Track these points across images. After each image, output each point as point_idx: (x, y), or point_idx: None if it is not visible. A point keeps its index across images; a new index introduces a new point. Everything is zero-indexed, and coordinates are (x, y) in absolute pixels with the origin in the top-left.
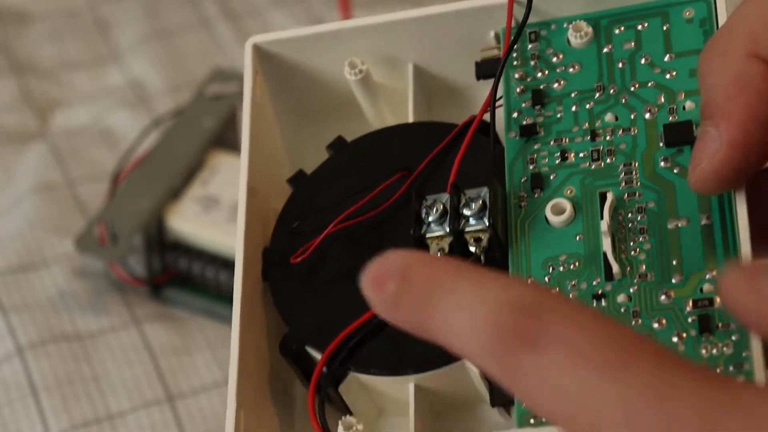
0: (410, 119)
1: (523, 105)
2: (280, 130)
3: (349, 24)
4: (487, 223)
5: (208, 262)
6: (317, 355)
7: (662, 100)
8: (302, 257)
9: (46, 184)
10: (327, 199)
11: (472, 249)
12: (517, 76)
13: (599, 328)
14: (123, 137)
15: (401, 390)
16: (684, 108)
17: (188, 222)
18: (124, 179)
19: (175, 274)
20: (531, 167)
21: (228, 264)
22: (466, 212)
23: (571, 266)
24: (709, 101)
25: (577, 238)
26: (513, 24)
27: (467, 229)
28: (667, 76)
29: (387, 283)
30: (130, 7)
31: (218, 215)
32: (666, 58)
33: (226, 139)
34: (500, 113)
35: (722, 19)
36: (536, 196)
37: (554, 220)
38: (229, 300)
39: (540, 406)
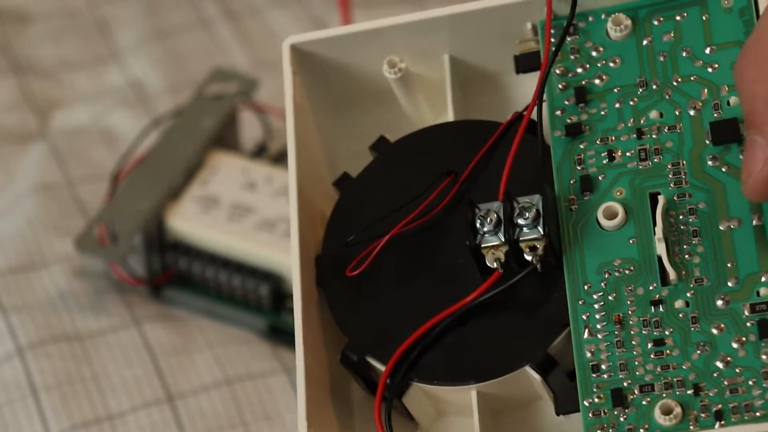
0: (449, 111)
1: (566, 102)
2: (317, 125)
3: (386, 22)
4: (542, 232)
5: (208, 262)
6: (377, 365)
7: (706, 95)
8: (359, 270)
9: (46, 184)
10: (375, 204)
11: (528, 257)
12: (558, 72)
13: None
14: (123, 137)
15: (463, 396)
16: (729, 103)
17: (188, 222)
18: (124, 179)
19: (175, 274)
20: (579, 168)
21: (228, 264)
22: (520, 221)
23: (626, 271)
24: (752, 111)
25: (630, 241)
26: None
27: (522, 238)
28: (709, 69)
29: None
30: (130, 7)
31: (218, 215)
32: (707, 51)
33: (226, 139)
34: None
35: (762, 7)
36: (586, 198)
37: (607, 224)
38: (229, 300)
39: None
